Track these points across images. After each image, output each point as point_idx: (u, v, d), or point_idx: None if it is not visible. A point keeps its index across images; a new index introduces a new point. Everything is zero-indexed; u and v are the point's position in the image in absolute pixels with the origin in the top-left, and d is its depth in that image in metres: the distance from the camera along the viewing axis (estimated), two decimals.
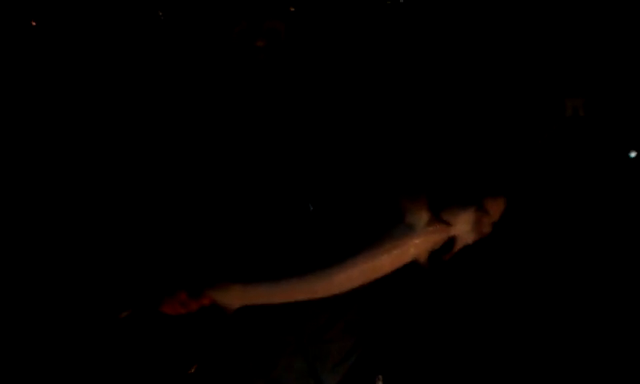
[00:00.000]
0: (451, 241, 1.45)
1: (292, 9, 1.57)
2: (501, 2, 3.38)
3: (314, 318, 1.62)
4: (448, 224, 1.42)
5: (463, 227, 1.45)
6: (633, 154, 3.30)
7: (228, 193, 1.57)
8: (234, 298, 1.50)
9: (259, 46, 1.52)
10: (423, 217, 1.40)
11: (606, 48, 3.36)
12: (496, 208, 1.50)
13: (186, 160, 1.59)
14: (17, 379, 2.44)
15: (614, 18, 3.38)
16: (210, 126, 1.60)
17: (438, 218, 1.41)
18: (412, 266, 1.45)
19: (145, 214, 1.63)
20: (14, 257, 2.61)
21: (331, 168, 1.57)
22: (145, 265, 1.58)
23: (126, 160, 1.66)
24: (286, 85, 1.61)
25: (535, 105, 3.22)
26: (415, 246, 1.42)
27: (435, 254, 1.46)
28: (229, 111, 1.61)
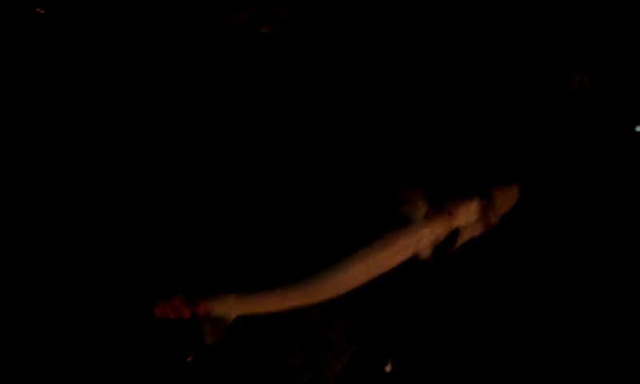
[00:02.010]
0: (455, 233, 1.36)
1: None
2: None
3: (312, 308, 1.54)
4: (450, 214, 1.32)
5: (467, 218, 1.35)
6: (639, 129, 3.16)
7: (225, 192, 1.51)
8: (231, 307, 1.45)
9: (263, 33, 1.47)
10: (420, 207, 1.31)
11: (612, 22, 3.21)
12: (504, 198, 1.39)
13: (184, 159, 1.53)
14: (17, 379, 2.43)
15: None
16: (208, 122, 1.54)
17: (438, 208, 1.31)
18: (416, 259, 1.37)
19: (144, 215, 1.58)
20: (13, 255, 2.61)
21: (327, 161, 1.49)
22: (142, 265, 1.55)
23: (126, 159, 1.61)
24: (285, 73, 1.54)
25: (541, 80, 3.08)
26: (415, 240, 1.33)
27: (439, 248, 1.37)
28: (228, 104, 1.54)
